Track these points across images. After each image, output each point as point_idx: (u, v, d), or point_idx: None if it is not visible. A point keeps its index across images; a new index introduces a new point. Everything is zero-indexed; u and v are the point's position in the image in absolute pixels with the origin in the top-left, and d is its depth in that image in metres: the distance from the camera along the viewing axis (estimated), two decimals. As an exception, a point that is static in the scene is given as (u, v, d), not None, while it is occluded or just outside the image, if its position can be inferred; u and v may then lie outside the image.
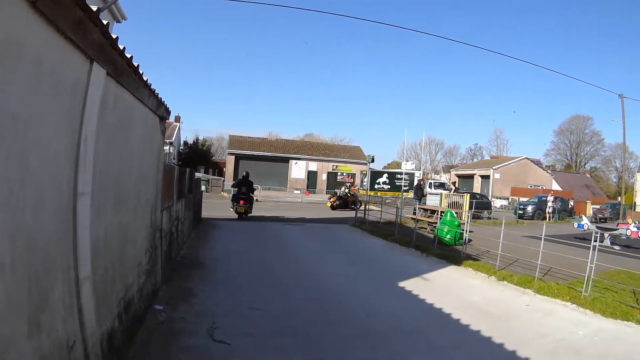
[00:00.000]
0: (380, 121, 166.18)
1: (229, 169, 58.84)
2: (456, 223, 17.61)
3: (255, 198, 26.72)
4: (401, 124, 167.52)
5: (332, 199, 36.75)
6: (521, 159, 76.04)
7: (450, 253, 15.10)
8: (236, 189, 24.74)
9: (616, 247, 19.88)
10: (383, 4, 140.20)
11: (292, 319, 7.99)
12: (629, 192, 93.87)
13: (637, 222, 23.46)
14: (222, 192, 47.64)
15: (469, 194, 28.50)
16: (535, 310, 9.69)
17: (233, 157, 59.37)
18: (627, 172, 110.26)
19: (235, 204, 23.88)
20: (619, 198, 60.23)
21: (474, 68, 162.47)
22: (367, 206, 24.53)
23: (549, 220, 35.43)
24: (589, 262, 10.53)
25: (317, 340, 7.04)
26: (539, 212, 37.52)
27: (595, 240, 10.93)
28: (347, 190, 39.27)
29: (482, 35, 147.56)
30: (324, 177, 62.68)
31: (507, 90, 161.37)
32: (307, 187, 60.45)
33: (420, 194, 29.28)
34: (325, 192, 59.79)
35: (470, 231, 16.51)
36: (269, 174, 58.15)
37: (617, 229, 21.99)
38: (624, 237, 20.77)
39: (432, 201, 27.26)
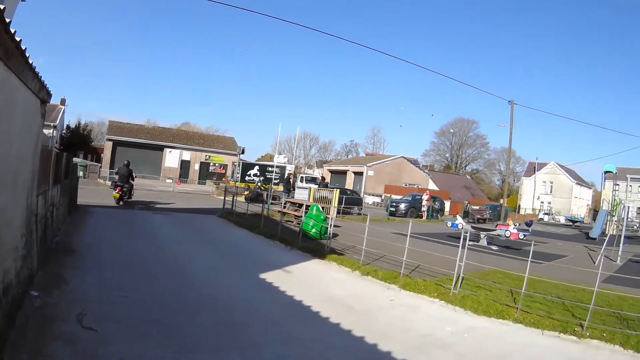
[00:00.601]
0: (257, 114, 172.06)
1: (107, 155, 57.79)
2: (322, 217, 18.03)
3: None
4: (278, 118, 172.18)
5: (245, 192, 37.16)
6: (397, 158, 78.86)
7: (315, 247, 15.50)
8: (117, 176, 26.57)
9: (493, 247, 21.21)
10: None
11: (158, 307, 8.23)
12: (513, 195, 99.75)
13: (517, 223, 25.31)
14: (98, 179, 47.47)
15: (338, 190, 29.51)
16: (400, 305, 10.09)
17: (111, 143, 58.32)
18: (513, 176, 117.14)
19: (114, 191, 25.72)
20: (502, 200, 64.29)
21: (356, 66, 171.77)
22: (234, 197, 24.84)
23: (424, 218, 37.22)
24: (457, 260, 11.07)
25: (180, 329, 7.25)
26: (412, 210, 38.92)
27: (466, 240, 11.38)
28: (260, 184, 40.00)
29: (370, 34, 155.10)
30: (197, 167, 63.02)
31: (389, 91, 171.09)
32: (180, 177, 60.58)
33: (289, 188, 30.37)
34: (197, 182, 60.52)
35: (337, 226, 17.14)
36: (145, 162, 57.88)
37: (495, 230, 23.37)
38: (503, 238, 22.05)
39: (300, 195, 27.83)
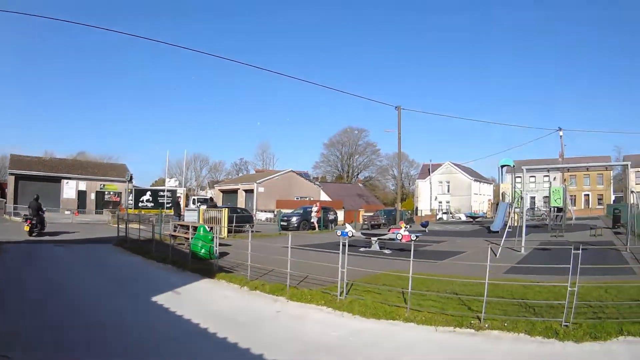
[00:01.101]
0: (148, 139, 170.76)
1: (10, 190, 57.19)
2: (210, 237, 17.80)
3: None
4: (168, 142, 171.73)
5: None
6: (286, 172, 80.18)
7: (205, 267, 15.60)
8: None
9: (386, 251, 21.51)
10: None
11: (52, 332, 8.49)
12: (409, 199, 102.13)
13: (408, 226, 25.92)
14: (4, 215, 47.95)
15: (227, 209, 29.55)
16: (287, 316, 10.32)
17: (13, 177, 58.04)
18: (408, 180, 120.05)
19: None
20: (396, 205, 65.84)
21: (239, 84, 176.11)
22: (126, 225, 24.58)
23: (317, 230, 37.66)
24: (339, 267, 11.24)
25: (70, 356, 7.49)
26: (305, 222, 39.27)
27: (345, 246, 11.34)
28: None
29: (251, 49, 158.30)
30: (93, 196, 62.40)
31: (275, 106, 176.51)
32: (78, 207, 59.45)
33: (178, 211, 30.42)
34: (94, 211, 59.45)
35: (228, 245, 17.38)
36: (45, 195, 55.44)
37: (387, 234, 23.77)
38: (397, 241, 22.37)
39: (190, 217, 27.75)
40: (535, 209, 51.78)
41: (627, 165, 21.43)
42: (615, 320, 8.91)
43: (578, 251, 9.12)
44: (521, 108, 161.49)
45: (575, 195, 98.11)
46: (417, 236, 22.81)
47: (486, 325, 9.05)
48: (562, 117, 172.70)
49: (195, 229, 19.02)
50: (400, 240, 22.47)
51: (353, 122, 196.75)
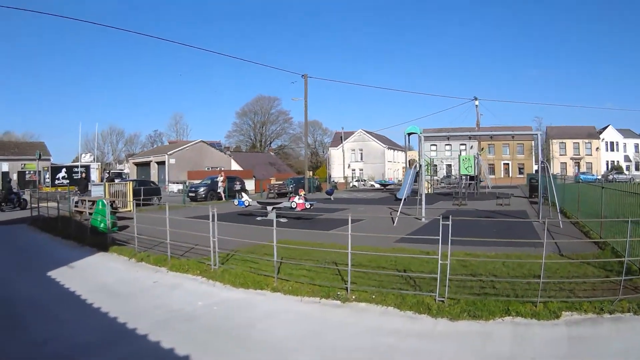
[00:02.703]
0: (67, 116, 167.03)
1: None
2: (109, 211, 18.30)
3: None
4: (84, 117, 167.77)
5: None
6: (196, 143, 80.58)
7: (102, 241, 15.88)
8: None
9: (282, 220, 21.50)
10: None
11: None
12: (322, 167, 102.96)
13: (303, 194, 26.54)
14: None
15: (131, 182, 29.74)
16: (162, 286, 10.88)
17: None
18: (322, 148, 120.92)
19: None
20: (310, 172, 66.96)
21: (151, 57, 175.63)
22: (38, 204, 24.70)
23: (224, 199, 37.64)
24: (211, 236, 11.62)
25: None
26: (212, 193, 39.61)
27: (214, 216, 11.54)
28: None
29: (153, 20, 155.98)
30: (15, 176, 60.53)
31: (189, 78, 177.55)
32: (2, 189, 57.49)
33: (83, 186, 30.46)
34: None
35: (130, 218, 17.88)
36: None
37: (281, 202, 24.45)
38: (293, 210, 22.97)
39: (96, 192, 27.81)
40: (452, 177, 53.03)
41: (538, 134, 22.09)
42: (504, 297, 8.69)
43: (447, 222, 8.96)
44: (440, 78, 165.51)
45: (494, 164, 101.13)
46: (311, 204, 23.31)
47: (353, 297, 9.20)
48: (482, 88, 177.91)
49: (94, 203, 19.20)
50: (295, 208, 23.03)
51: (265, 91, 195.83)
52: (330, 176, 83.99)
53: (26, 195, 33.37)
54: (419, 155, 24.92)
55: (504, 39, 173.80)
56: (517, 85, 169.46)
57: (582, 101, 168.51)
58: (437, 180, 65.65)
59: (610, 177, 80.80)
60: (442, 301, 8.57)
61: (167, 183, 60.06)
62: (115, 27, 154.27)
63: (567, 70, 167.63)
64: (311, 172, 78.23)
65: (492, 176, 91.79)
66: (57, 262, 13.62)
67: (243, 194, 30.91)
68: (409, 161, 63.84)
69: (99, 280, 11.65)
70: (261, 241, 13.22)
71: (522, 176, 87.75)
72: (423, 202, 22.41)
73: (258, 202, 25.91)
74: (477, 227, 18.09)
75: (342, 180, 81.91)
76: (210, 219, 11.71)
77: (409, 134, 38.93)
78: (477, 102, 61.86)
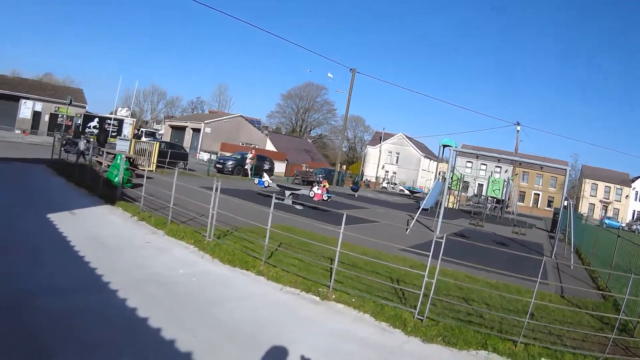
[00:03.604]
0: (109, 66, 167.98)
1: None
2: (126, 167, 18.07)
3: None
4: (127, 70, 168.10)
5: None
6: (235, 116, 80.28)
7: (112, 194, 16.01)
8: None
9: (298, 207, 21.81)
10: None
11: None
12: (358, 163, 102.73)
13: (325, 186, 26.24)
14: None
15: (158, 143, 29.98)
16: (152, 248, 10.93)
17: None
18: (361, 144, 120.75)
19: None
20: (343, 166, 67.03)
21: (202, 23, 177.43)
22: (61, 148, 25.11)
23: (249, 177, 37.87)
24: (210, 208, 11.66)
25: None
26: (239, 168, 39.69)
27: (217, 189, 11.54)
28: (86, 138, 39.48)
29: None
30: (47, 118, 61.20)
31: (239, 51, 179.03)
32: (32, 128, 58.75)
33: (103, 138, 31.00)
34: (46, 134, 58.29)
35: (149, 177, 17.97)
36: (1, 113, 56.64)
37: (300, 189, 24.37)
38: (311, 197, 23.25)
39: (121, 147, 28.05)
40: (481, 197, 52.72)
41: (567, 169, 21.21)
42: (486, 330, 8.37)
43: (441, 239, 8.85)
44: (485, 97, 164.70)
45: (525, 192, 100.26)
46: (329, 196, 23.38)
47: (333, 297, 9.06)
48: (526, 115, 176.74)
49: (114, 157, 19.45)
50: (312, 197, 23.22)
51: (313, 79, 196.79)
52: (362, 173, 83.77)
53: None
54: (447, 169, 24.56)
55: (557, 71, 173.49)
56: (561, 119, 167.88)
57: (622, 146, 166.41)
58: (467, 197, 65.35)
59: (634, 227, 79.76)
60: (421, 319, 8.37)
61: (198, 150, 60.21)
62: None
63: (613, 112, 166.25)
64: (344, 167, 78.15)
65: (521, 204, 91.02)
66: (62, 206, 13.73)
67: (265, 174, 30.84)
68: (439, 173, 63.60)
69: (95, 230, 11.73)
70: (266, 223, 13.07)
71: (549, 209, 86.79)
72: (440, 216, 21.44)
73: (278, 185, 25.78)
74: (487, 251, 17.17)
75: (374, 180, 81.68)
76: (213, 191, 11.73)
77: (444, 146, 38.60)
78: (518, 128, 61.59)
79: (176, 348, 6.05)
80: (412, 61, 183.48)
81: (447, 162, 45.44)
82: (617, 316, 9.08)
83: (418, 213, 23.42)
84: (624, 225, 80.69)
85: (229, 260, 10.53)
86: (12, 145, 36.22)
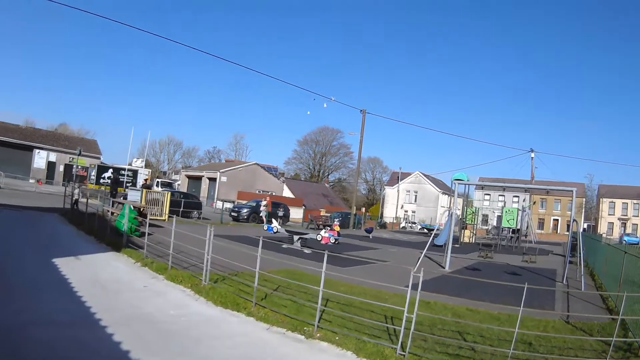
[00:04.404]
0: (126, 118, 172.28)
1: None
2: (132, 216, 18.57)
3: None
4: (143, 122, 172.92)
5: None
6: (250, 164, 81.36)
7: (119, 242, 16.65)
8: None
9: (306, 251, 21.77)
10: None
11: None
12: (377, 204, 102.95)
13: (336, 229, 26.74)
14: None
15: (169, 192, 30.65)
16: (149, 291, 11.41)
17: None
18: (380, 185, 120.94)
19: None
20: (362, 209, 67.26)
21: (215, 73, 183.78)
22: (75, 198, 25.95)
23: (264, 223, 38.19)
24: (205, 253, 12.07)
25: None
26: (254, 215, 40.23)
27: (211, 234, 11.92)
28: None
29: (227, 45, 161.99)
30: (61, 168, 63.03)
31: (253, 100, 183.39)
32: (47, 178, 60.84)
33: (114, 189, 32.02)
34: (62, 183, 59.40)
35: (160, 226, 18.45)
36: (15, 163, 58.05)
37: (307, 233, 24.83)
38: (319, 242, 23.48)
39: (132, 197, 28.66)
40: (501, 228, 52.84)
41: (573, 191, 21.17)
42: None
43: (419, 274, 8.91)
44: (501, 127, 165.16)
45: (544, 219, 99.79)
46: (336, 239, 23.89)
47: (318, 335, 9.04)
48: (539, 141, 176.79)
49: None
50: (320, 240, 23.47)
51: (330, 123, 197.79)
52: (382, 214, 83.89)
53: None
54: (453, 203, 24.71)
55: (564, 93, 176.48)
56: (575, 141, 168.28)
57: (637, 159, 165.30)
58: (487, 230, 65.34)
59: (653, 241, 79.07)
60: (403, 355, 8.27)
61: (215, 200, 60.92)
62: (188, 45, 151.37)
63: (624, 128, 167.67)
64: (363, 209, 78.31)
65: (540, 231, 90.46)
66: (68, 252, 14.52)
67: (274, 220, 31.25)
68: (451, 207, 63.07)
69: (96, 275, 12.36)
70: (270, 267, 13.72)
71: (568, 233, 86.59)
72: (448, 251, 22.08)
73: (287, 231, 26.18)
74: (494, 282, 17.52)
75: (394, 220, 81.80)
76: (207, 237, 12.13)
77: (456, 180, 38.83)
78: (532, 154, 61.65)
79: None
80: (423, 98, 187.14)
81: (462, 197, 45.70)
82: (611, 339, 8.93)
83: (425, 249, 23.05)
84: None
85: (222, 302, 10.81)
86: (26, 194, 37.44)
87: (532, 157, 62.25)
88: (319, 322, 9.43)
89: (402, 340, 8.42)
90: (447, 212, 35.85)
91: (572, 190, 21.36)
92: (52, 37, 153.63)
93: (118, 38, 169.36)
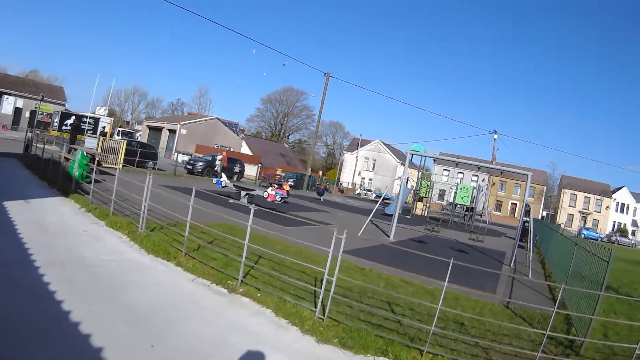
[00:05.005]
0: (93, 65, 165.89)
1: None
2: (85, 162, 19.14)
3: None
4: (111, 70, 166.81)
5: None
6: (211, 119, 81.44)
7: (69, 187, 17.00)
8: None
9: (251, 206, 21.98)
10: None
11: None
12: (334, 169, 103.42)
13: (276, 187, 27.40)
14: None
15: (125, 141, 30.90)
16: (88, 236, 11.80)
17: None
18: (340, 150, 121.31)
19: None
20: (319, 172, 67.79)
21: (184, 25, 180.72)
22: (30, 143, 26.53)
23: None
24: (143, 201, 12.57)
25: None
26: (209, 169, 40.79)
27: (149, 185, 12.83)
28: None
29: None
30: (27, 114, 61.95)
31: (220, 55, 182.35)
32: (13, 124, 61.01)
33: (72, 136, 32.30)
34: (27, 129, 59.45)
35: (112, 174, 18.71)
36: None
37: (255, 190, 25.30)
38: (265, 199, 24.33)
39: (90, 144, 28.89)
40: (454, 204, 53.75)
41: (528, 175, 20.53)
42: (398, 335, 8.24)
43: (341, 236, 8.54)
44: (464, 106, 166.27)
45: (502, 202, 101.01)
46: (282, 198, 24.44)
47: (241, 290, 9.28)
48: (504, 124, 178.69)
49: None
50: (266, 198, 24.20)
51: (296, 84, 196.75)
52: (339, 179, 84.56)
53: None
54: (403, 174, 25.16)
55: (533, 78, 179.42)
56: (540, 128, 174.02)
57: (603, 156, 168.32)
58: (442, 205, 66.30)
59: (614, 238, 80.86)
60: (322, 319, 8.28)
61: (173, 151, 61.07)
62: None
63: (595, 122, 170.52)
64: (321, 172, 78.81)
65: (497, 213, 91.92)
66: (19, 196, 14.85)
67: (223, 174, 31.77)
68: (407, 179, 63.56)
69: (41, 218, 12.69)
70: (211, 220, 14.14)
71: (527, 218, 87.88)
72: (394, 221, 22.42)
73: (234, 186, 26.71)
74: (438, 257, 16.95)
75: (350, 186, 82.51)
76: (146, 185, 12.51)
77: (412, 151, 39.26)
78: (495, 136, 62.74)
79: (69, 318, 6.71)
80: (392, 67, 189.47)
81: (419, 169, 46.24)
82: (545, 332, 8.25)
83: (371, 216, 23.49)
84: (603, 236, 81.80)
85: (154, 250, 11.17)
86: None
87: (494, 139, 63.33)
88: (244, 277, 9.67)
89: (324, 304, 8.54)
90: (399, 181, 36.41)
91: (527, 175, 21.51)
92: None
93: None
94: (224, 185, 27.34)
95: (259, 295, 9.10)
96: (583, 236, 53.49)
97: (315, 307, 8.58)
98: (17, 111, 62.43)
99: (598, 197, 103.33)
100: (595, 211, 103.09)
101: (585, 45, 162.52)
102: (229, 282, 9.65)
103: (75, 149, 24.66)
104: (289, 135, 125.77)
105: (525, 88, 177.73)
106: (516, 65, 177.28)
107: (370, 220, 23.08)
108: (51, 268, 8.60)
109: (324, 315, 8.31)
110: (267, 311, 8.55)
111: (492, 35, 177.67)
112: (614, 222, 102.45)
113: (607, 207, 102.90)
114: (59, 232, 11.57)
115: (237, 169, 44.59)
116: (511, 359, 8.24)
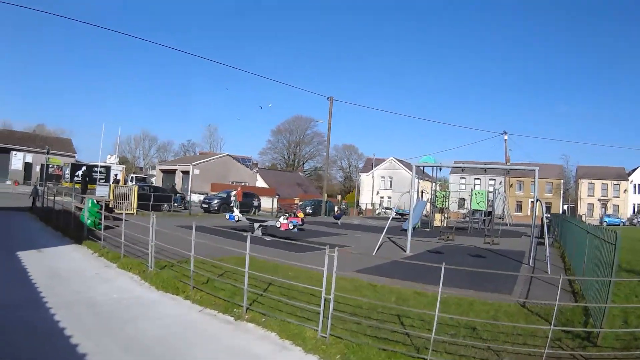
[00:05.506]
0: (101, 115, 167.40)
1: None
2: (95, 210, 19.70)
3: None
4: (119, 120, 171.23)
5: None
6: (222, 156, 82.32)
7: (82, 235, 17.56)
8: None
9: (266, 238, 21.58)
10: None
11: None
12: (352, 192, 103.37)
13: (287, 214, 27.47)
14: None
15: (137, 186, 31.31)
16: (99, 278, 12.25)
17: None
18: (356, 172, 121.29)
19: None
20: (338, 197, 67.81)
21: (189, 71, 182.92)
22: (43, 196, 27.13)
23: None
24: (150, 240, 12.91)
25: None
26: (225, 206, 40.88)
27: (154, 223, 12.86)
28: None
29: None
30: (37, 169, 63.66)
31: (225, 92, 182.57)
32: (25, 179, 62.48)
33: (84, 186, 32.64)
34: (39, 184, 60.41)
35: (126, 220, 19.12)
36: None
37: (267, 221, 25.35)
38: (278, 229, 24.34)
39: (101, 192, 29.34)
40: (471, 211, 53.61)
41: (536, 170, 20.56)
42: (401, 347, 8.03)
43: (333, 254, 8.29)
44: (474, 110, 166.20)
45: (522, 202, 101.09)
46: (295, 225, 24.53)
47: (247, 317, 9.33)
48: (514, 123, 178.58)
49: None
50: (279, 227, 24.38)
51: (304, 112, 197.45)
52: (358, 202, 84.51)
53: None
54: (411, 185, 25.08)
55: (539, 75, 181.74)
56: (550, 122, 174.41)
57: (616, 139, 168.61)
58: (464, 213, 66.17)
59: (635, 220, 79.97)
60: (324, 337, 8.22)
61: (188, 192, 61.74)
62: (160, 43, 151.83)
63: (602, 108, 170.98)
64: (340, 196, 78.95)
65: (518, 213, 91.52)
66: (33, 246, 15.51)
67: (235, 209, 31.99)
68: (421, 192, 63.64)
69: (53, 264, 13.32)
70: (224, 254, 14.25)
71: (548, 215, 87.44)
72: (409, 234, 22.14)
73: (247, 219, 26.61)
74: (455, 264, 15.89)
75: (370, 207, 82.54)
76: (151, 225, 12.85)
77: (418, 165, 39.23)
78: (506, 137, 62.70)
79: (76, 351, 7.04)
80: (396, 83, 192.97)
81: (433, 181, 46.12)
82: (550, 326, 7.85)
83: (384, 233, 22.99)
84: (624, 220, 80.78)
85: (163, 286, 11.44)
86: (2, 195, 38.47)
87: (505, 140, 63.28)
88: (250, 305, 9.82)
89: (331, 322, 8.41)
90: (420, 196, 36.28)
91: (534, 170, 21.21)
92: (28, 40, 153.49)
93: (91, 39, 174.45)
94: (236, 219, 27.68)
95: (263, 320, 9.14)
96: (605, 224, 52.97)
97: (318, 326, 8.48)
98: (28, 166, 64.15)
99: (615, 182, 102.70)
100: (614, 197, 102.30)
101: (581, 31, 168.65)
102: (235, 310, 9.74)
103: (85, 198, 25.08)
104: (303, 163, 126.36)
105: (528, 84, 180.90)
106: (516, 64, 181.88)
107: (387, 237, 23.23)
108: (61, 309, 8.96)
109: (326, 334, 8.25)
110: (272, 334, 8.56)
111: (492, 35, 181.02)
112: (634, 204, 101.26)
113: (625, 190, 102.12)
114: (69, 277, 12.05)
115: (255, 203, 45.29)
116: (524, 358, 7.95)
